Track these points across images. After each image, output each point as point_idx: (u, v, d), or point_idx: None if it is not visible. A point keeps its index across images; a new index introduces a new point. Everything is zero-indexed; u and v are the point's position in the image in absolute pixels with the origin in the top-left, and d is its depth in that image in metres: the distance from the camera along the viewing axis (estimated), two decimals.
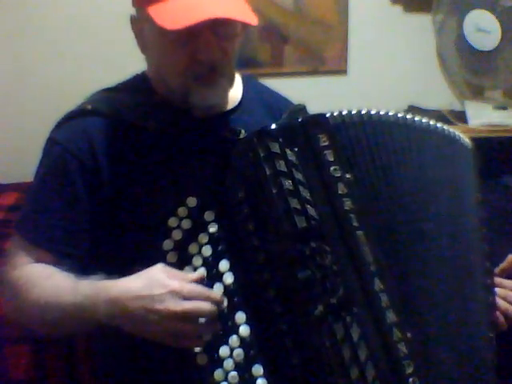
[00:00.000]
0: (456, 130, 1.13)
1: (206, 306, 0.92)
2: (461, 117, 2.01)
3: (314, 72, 2.06)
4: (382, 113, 1.03)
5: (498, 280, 1.12)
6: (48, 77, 1.84)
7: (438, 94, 2.12)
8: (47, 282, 1.04)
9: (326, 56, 2.06)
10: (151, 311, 0.92)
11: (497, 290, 1.11)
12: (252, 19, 1.05)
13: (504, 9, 1.97)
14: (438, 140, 1.09)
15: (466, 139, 1.14)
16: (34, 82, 1.84)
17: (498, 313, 1.09)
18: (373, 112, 1.03)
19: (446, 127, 1.11)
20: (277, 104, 1.27)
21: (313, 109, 1.09)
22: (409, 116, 1.07)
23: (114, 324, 0.97)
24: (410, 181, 1.03)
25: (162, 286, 0.93)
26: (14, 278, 1.07)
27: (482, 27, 1.99)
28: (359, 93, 2.04)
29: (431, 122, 1.09)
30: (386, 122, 1.03)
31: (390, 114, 1.04)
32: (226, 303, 0.96)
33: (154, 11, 1.04)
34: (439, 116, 1.99)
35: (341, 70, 2.08)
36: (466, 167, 1.12)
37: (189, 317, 0.92)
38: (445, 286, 1.02)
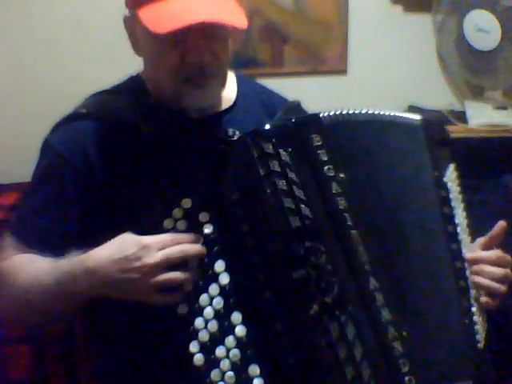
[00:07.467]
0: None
1: (179, 247, 0.94)
2: (461, 117, 2.00)
3: (313, 72, 2.06)
4: (369, 112, 1.04)
5: (473, 255, 1.08)
6: (48, 77, 1.84)
7: (438, 94, 2.12)
8: (30, 266, 1.06)
9: (325, 56, 2.06)
10: (130, 271, 0.94)
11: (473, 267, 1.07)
12: (242, 22, 1.05)
13: (504, 9, 1.96)
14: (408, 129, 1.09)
15: (412, 116, 1.12)
16: (33, 82, 1.84)
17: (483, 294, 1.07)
18: (363, 111, 1.03)
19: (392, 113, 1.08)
20: (271, 102, 1.27)
21: (313, 109, 1.09)
22: (399, 113, 1.07)
23: (97, 294, 0.99)
24: (394, 179, 1.04)
25: (134, 245, 0.95)
26: (1, 270, 1.08)
27: (482, 27, 1.99)
28: (359, 93, 2.04)
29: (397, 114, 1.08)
30: (377, 121, 1.04)
31: (379, 112, 1.04)
32: (204, 249, 0.96)
33: (143, 13, 1.04)
34: (439, 116, 1.99)
35: (341, 70, 2.08)
36: (421, 148, 1.10)
37: (168, 264, 0.94)
38: (438, 283, 1.03)
